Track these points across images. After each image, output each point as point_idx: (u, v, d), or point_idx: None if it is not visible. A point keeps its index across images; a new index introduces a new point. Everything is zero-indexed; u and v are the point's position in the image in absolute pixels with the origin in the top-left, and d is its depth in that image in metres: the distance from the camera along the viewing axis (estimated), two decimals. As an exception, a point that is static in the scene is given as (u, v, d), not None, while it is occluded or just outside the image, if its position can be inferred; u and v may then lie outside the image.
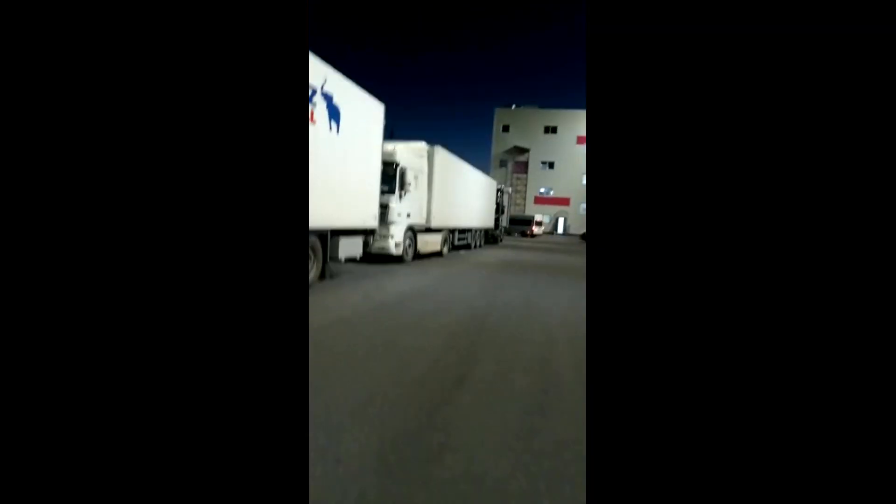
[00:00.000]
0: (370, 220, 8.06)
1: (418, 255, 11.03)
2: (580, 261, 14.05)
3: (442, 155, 12.01)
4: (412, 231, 10.56)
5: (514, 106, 49.75)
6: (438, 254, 12.59)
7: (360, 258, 8.12)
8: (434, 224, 11.77)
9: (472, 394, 2.87)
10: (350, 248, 7.49)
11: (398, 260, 10.09)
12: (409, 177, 9.88)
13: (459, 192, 14.24)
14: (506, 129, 48.71)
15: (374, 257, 9.26)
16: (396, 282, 7.52)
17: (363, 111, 7.51)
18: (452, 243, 13.95)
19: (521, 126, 48.23)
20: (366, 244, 8.19)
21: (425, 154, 11.17)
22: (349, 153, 7.03)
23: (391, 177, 9.47)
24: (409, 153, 10.30)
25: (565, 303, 6.43)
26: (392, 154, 9.50)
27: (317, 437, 2.14)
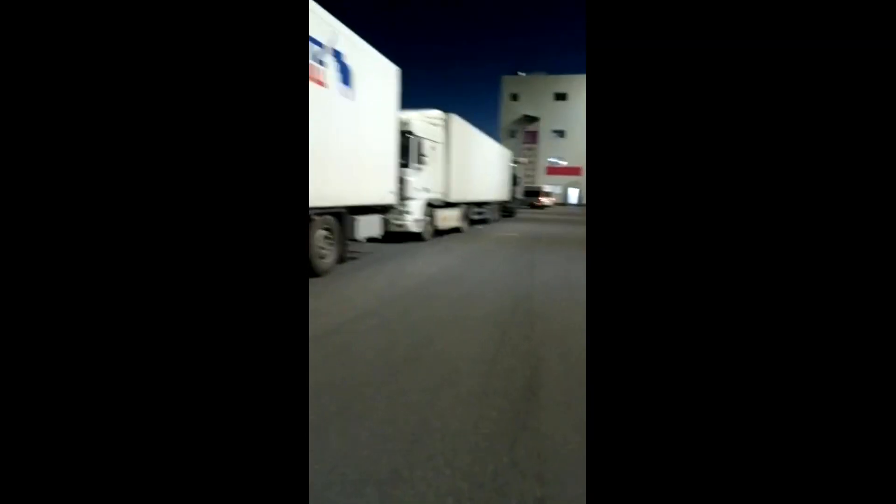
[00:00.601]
0: (388, 195, 7.40)
1: (437, 232, 10.40)
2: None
3: (458, 123, 11.21)
4: (430, 206, 9.89)
5: (521, 73, 48.02)
6: (457, 230, 11.94)
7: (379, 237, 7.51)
8: (453, 198, 11.07)
9: (559, 417, 2.26)
10: (369, 227, 6.85)
11: (417, 237, 9.47)
12: (426, 148, 9.15)
13: (477, 164, 13.46)
14: (514, 97, 47.13)
15: (392, 235, 8.63)
16: (420, 263, 6.91)
17: (378, 74, 6.76)
18: (470, 218, 13.27)
19: (529, 94, 46.60)
20: (385, 222, 7.56)
21: (441, 123, 10.39)
22: (365, 121, 6.32)
23: (407, 148, 8.76)
24: (425, 122, 9.53)
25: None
26: (407, 123, 8.76)
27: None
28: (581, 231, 13.48)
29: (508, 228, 14.14)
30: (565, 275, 6.13)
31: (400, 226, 8.79)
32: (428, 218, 9.78)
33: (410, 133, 8.82)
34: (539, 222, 17.66)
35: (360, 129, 6.17)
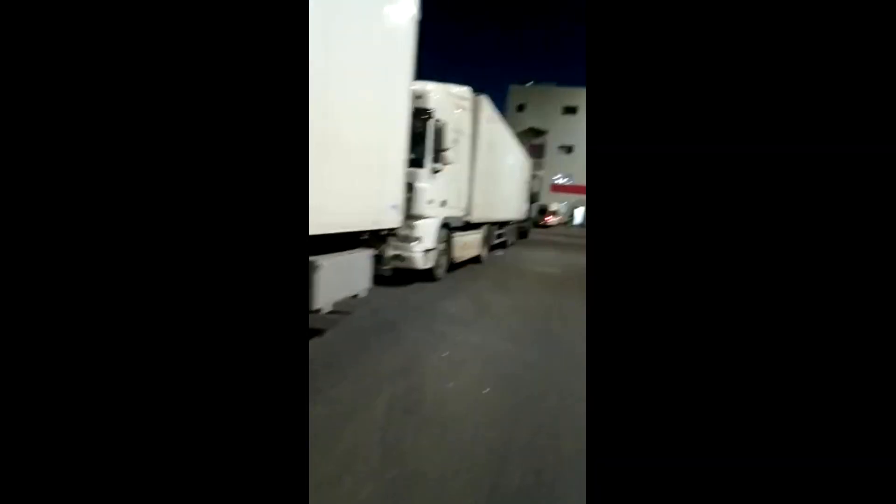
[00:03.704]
0: (388, 213, 4.04)
1: (452, 265, 7.07)
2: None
3: (490, 110, 7.94)
4: (447, 228, 6.57)
5: (530, 83, 45.38)
6: (476, 259, 8.65)
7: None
8: (475, 216, 7.77)
9: None
10: (342, 282, 3.35)
11: (425, 276, 6.14)
12: (449, 139, 5.85)
13: (504, 172, 10.21)
14: (521, 108, 44.33)
15: (385, 273, 5.29)
16: (439, 352, 3.55)
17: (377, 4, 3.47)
18: (490, 243, 9.98)
19: (537, 105, 43.86)
20: (377, 260, 4.17)
21: (468, 106, 7.10)
22: (347, 85, 3.01)
23: (422, 137, 5.47)
24: (449, 101, 6.23)
25: None
26: (424, 98, 5.48)
27: None
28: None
29: (535, 257, 10.88)
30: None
31: (402, 260, 5.46)
32: (443, 246, 6.45)
33: (429, 114, 5.53)
34: (562, 248, 14.43)
35: (335, 97, 2.84)
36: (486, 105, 7.58)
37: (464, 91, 6.84)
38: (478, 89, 7.33)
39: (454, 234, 6.83)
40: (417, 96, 5.38)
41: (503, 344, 3.79)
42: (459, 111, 6.64)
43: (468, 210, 7.47)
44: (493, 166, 8.90)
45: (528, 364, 3.34)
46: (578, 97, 42.69)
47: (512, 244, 13.15)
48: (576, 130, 42.53)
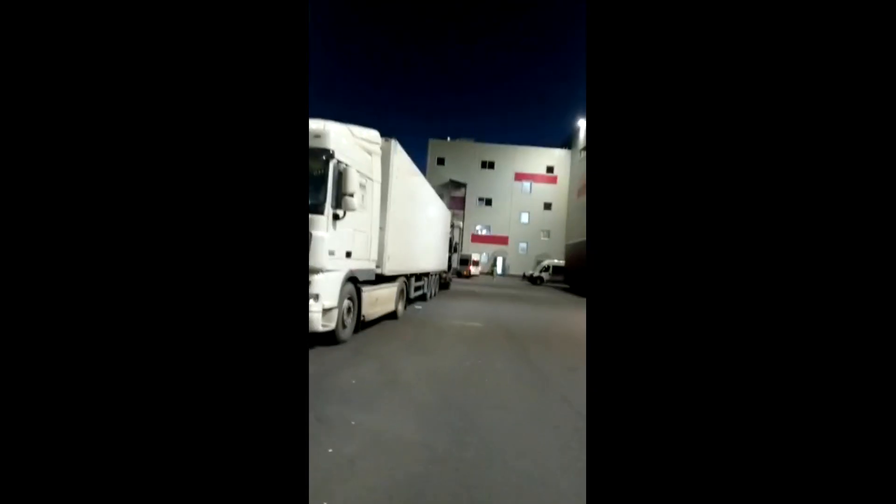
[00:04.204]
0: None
1: (362, 323, 6.25)
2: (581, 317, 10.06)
3: (402, 156, 7.52)
4: (354, 283, 5.81)
5: (448, 138, 47.06)
6: (392, 315, 7.88)
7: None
8: (389, 269, 7.11)
9: None
10: None
11: (326, 339, 5.26)
12: (353, 183, 5.22)
13: (421, 220, 9.74)
14: (440, 161, 45.53)
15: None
16: (322, 448, 2.72)
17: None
18: (408, 296, 9.29)
19: (456, 159, 45.32)
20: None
21: (378, 150, 6.60)
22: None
23: (320, 178, 4.81)
24: (353, 143, 5.68)
25: None
26: (323, 138, 4.88)
27: None
28: (543, 313, 10.08)
29: (457, 310, 10.33)
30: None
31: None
32: (348, 303, 5.65)
33: (329, 154, 4.92)
34: (484, 299, 14.11)
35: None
36: (398, 149, 7.15)
37: (371, 134, 6.35)
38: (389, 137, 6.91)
39: (364, 289, 6.07)
40: (316, 136, 4.79)
41: (408, 427, 3.05)
42: (367, 155, 6.11)
43: (380, 262, 6.80)
44: (409, 214, 8.41)
45: (438, 458, 2.62)
46: (494, 153, 44.96)
47: (433, 296, 12.57)
48: (493, 183, 44.39)
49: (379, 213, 6.66)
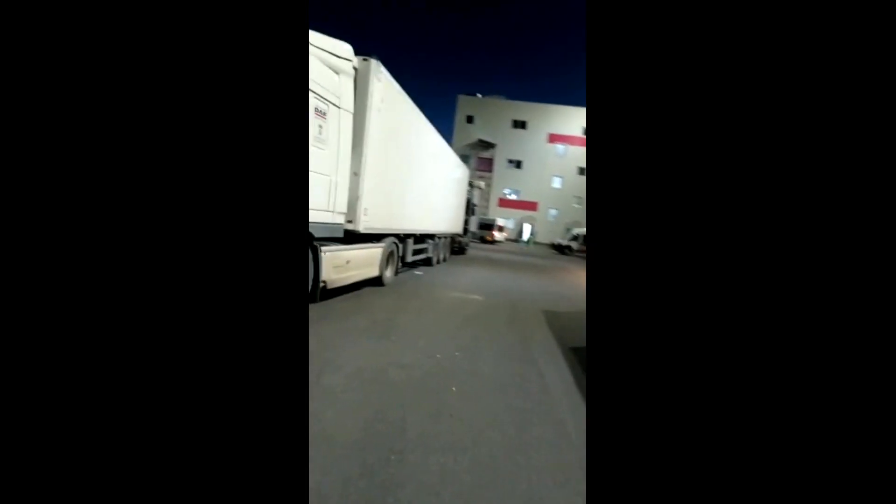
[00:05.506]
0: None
1: (327, 291, 4.92)
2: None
3: (386, 82, 5.89)
4: (312, 242, 4.45)
5: (479, 95, 44.37)
6: (377, 280, 6.55)
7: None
8: (366, 226, 5.70)
9: None
10: None
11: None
12: (311, 110, 3.74)
13: (419, 170, 8.20)
14: (469, 119, 43.12)
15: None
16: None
17: None
18: (403, 259, 7.92)
19: (486, 118, 42.76)
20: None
21: (350, 70, 5.07)
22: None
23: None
24: (314, 57, 4.17)
25: None
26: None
27: None
28: (571, 292, 8.55)
29: (462, 278, 8.92)
30: None
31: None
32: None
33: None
34: (501, 267, 12.64)
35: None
36: (381, 72, 5.56)
37: (340, 46, 4.80)
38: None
39: (325, 249, 4.72)
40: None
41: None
42: (330, 72, 4.59)
43: (352, 216, 5.40)
44: (401, 161, 6.90)
45: None
46: (527, 112, 42.11)
47: (441, 261, 11.19)
48: (525, 145, 41.82)
49: (351, 152, 5.20)
